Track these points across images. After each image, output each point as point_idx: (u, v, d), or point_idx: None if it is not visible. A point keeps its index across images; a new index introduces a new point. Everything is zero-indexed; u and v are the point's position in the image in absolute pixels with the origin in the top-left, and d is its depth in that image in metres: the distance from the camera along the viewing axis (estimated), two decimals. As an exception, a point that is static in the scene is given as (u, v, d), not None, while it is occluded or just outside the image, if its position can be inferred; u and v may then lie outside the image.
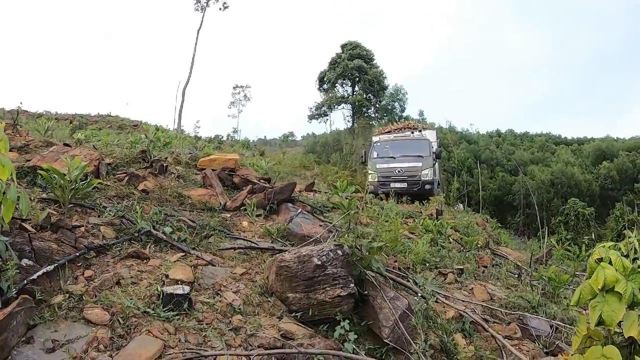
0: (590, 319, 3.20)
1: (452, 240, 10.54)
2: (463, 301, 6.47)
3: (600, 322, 3.14)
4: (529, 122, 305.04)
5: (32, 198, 5.83)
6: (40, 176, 6.33)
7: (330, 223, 7.70)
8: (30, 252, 4.36)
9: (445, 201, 20.45)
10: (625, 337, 3.12)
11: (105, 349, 3.48)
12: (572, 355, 3.41)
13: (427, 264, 7.92)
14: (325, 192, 11.94)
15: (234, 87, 76.83)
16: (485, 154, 68.09)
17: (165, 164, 9.09)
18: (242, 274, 5.41)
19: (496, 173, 62.57)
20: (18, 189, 3.66)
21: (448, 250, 9.17)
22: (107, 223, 5.97)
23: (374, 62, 60.66)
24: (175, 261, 5.26)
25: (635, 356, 3.12)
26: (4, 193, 3.55)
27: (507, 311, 6.29)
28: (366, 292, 5.17)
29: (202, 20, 50.91)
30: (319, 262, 4.80)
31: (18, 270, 3.82)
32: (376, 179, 20.92)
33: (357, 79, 59.37)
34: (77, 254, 4.79)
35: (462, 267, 8.17)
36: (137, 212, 6.14)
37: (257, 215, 7.85)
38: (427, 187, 19.98)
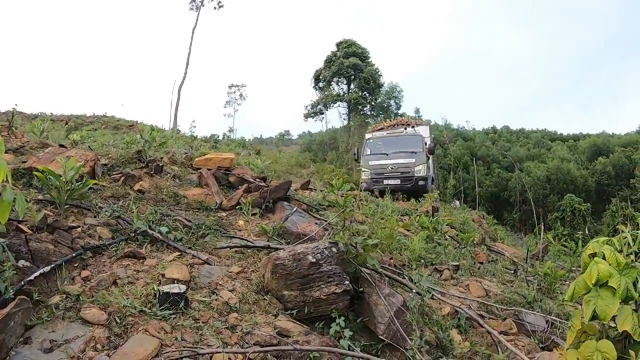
0: (585, 313, 3.22)
1: (448, 237, 10.54)
2: (459, 297, 6.50)
3: (594, 317, 3.17)
4: (525, 118, 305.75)
5: (28, 199, 5.84)
6: (36, 178, 6.34)
7: (326, 221, 7.73)
8: (27, 253, 4.38)
9: (440, 198, 20.44)
10: (620, 331, 3.14)
11: (103, 349, 3.51)
12: (566, 349, 3.44)
13: (423, 261, 7.94)
14: (322, 190, 11.96)
15: (229, 86, 76.78)
16: (481, 150, 68.24)
17: (161, 164, 9.10)
18: (238, 273, 5.43)
19: (492, 170, 62.72)
20: (14, 190, 3.67)
21: (444, 247, 9.17)
22: (103, 223, 5.98)
23: (370, 60, 60.74)
24: (171, 260, 5.29)
25: (630, 350, 3.14)
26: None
27: (502, 307, 6.31)
28: (361, 289, 5.19)
29: (197, 20, 50.85)
30: (314, 260, 4.82)
31: (15, 272, 3.84)
32: (369, 176, 20.78)
33: (353, 77, 59.43)
34: (74, 255, 4.81)
35: (458, 263, 8.20)
36: (133, 212, 6.15)
37: (253, 214, 7.85)
38: (421, 183, 19.85)
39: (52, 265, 4.35)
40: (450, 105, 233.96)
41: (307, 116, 63.93)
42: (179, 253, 5.61)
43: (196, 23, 50.53)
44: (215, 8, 52.35)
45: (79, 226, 5.67)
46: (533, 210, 28.37)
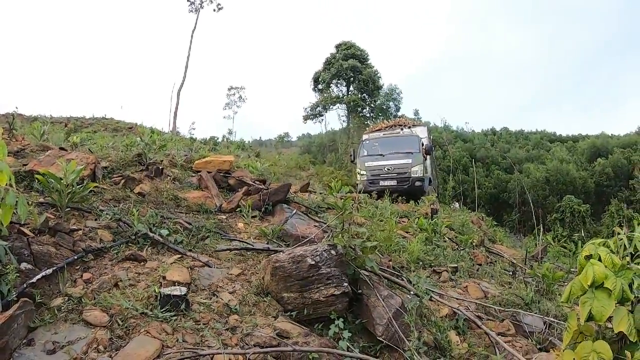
0: (581, 314, 3.26)
1: (446, 239, 10.58)
2: (457, 299, 6.54)
3: (590, 318, 3.21)
4: (524, 119, 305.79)
5: (30, 202, 5.87)
6: (37, 180, 6.38)
7: (325, 223, 7.76)
8: (29, 255, 4.42)
9: (440, 200, 20.40)
10: (615, 332, 3.18)
11: (105, 350, 3.55)
12: (563, 350, 3.48)
13: (422, 263, 7.98)
14: (321, 193, 11.99)
15: (228, 89, 76.71)
16: (480, 152, 68.16)
17: (161, 167, 9.13)
18: (238, 275, 5.48)
19: (492, 171, 62.65)
20: (16, 193, 3.72)
21: (443, 248, 9.21)
22: (104, 226, 6.02)
23: (369, 62, 60.71)
24: (172, 263, 5.33)
25: (626, 350, 3.18)
26: (2, 198, 3.60)
27: (500, 308, 6.36)
28: (360, 291, 5.25)
29: (196, 22, 50.82)
30: (313, 262, 4.87)
31: (18, 274, 3.88)
32: (365, 178, 20.65)
33: (352, 79, 59.40)
34: (76, 257, 4.85)
35: (456, 265, 8.23)
36: (134, 215, 6.18)
37: (253, 217, 7.90)
38: (418, 184, 19.78)
39: (54, 268, 4.40)
40: (449, 107, 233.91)
41: (306, 118, 63.91)
42: (180, 255, 5.66)
43: (195, 25, 50.51)
44: (214, 10, 52.34)
45: (80, 229, 5.70)
46: (532, 212, 28.33)
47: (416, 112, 77.97)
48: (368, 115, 61.05)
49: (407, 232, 10.36)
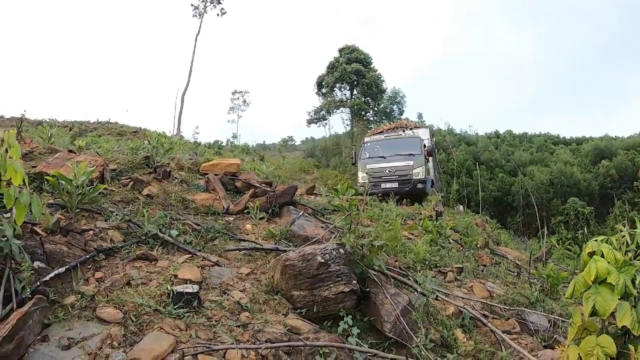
0: (584, 309, 3.33)
1: (451, 240, 10.61)
2: (462, 298, 6.59)
3: (594, 313, 3.27)
4: (527, 122, 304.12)
5: (41, 203, 5.96)
6: (46, 182, 6.47)
7: (332, 224, 7.82)
8: (42, 254, 4.50)
9: (443, 201, 20.31)
10: (619, 326, 3.24)
11: (119, 346, 3.62)
12: (568, 345, 3.54)
13: (427, 263, 8.02)
14: (327, 195, 12.02)
15: (232, 93, 77.06)
16: (484, 155, 68.09)
17: (168, 170, 9.21)
18: (247, 274, 5.56)
19: (495, 174, 62.56)
20: (30, 193, 3.81)
21: (448, 250, 9.25)
22: (114, 227, 6.10)
23: (372, 66, 60.66)
24: (182, 262, 5.42)
25: (629, 345, 3.24)
26: (16, 198, 3.69)
27: (506, 307, 6.41)
28: (368, 289, 5.32)
29: (200, 27, 51.08)
30: (323, 260, 4.95)
31: (32, 272, 3.96)
32: (366, 180, 20.16)
33: (355, 82, 59.35)
34: (87, 257, 4.93)
35: (461, 265, 8.27)
36: (144, 216, 6.27)
37: (260, 218, 7.96)
38: (419, 186, 19.48)
39: (67, 267, 4.48)
40: (452, 110, 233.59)
41: (310, 122, 63.95)
42: (190, 255, 5.75)
43: (199, 30, 50.78)
44: (218, 15, 52.63)
45: (91, 229, 5.79)
46: (536, 214, 28.29)
47: (419, 116, 78.13)
48: (372, 118, 61.00)
49: (412, 234, 10.41)
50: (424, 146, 20.95)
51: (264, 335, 4.22)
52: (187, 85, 47.97)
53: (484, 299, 6.84)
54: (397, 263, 7.19)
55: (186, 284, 4.73)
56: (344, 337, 4.59)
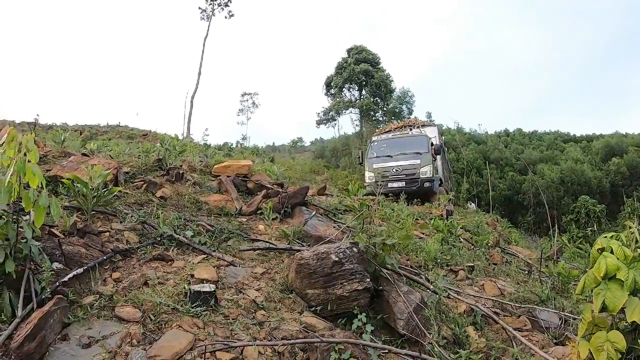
0: (594, 305, 3.38)
1: (462, 239, 10.63)
2: (474, 296, 6.64)
3: (604, 309, 3.32)
4: (537, 120, 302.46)
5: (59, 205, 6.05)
6: (61, 185, 6.58)
7: (344, 224, 7.88)
8: (61, 256, 4.60)
9: (454, 201, 20.20)
10: (629, 322, 3.29)
11: (139, 343, 3.72)
12: (578, 342, 3.59)
13: (439, 262, 8.07)
14: (337, 196, 12.06)
15: (242, 95, 76.90)
16: (494, 154, 67.66)
17: (181, 172, 9.29)
18: (262, 273, 5.66)
19: (505, 173, 62.16)
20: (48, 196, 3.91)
21: (459, 248, 9.28)
22: (129, 228, 6.21)
23: (380, 66, 60.45)
24: (198, 262, 5.52)
25: (639, 340, 3.29)
26: (35, 200, 3.79)
27: (517, 305, 6.45)
28: (381, 287, 5.39)
29: (208, 30, 51.14)
30: (337, 259, 5.02)
31: (52, 273, 4.05)
32: (373, 179, 20.11)
33: (364, 83, 59.17)
34: (105, 257, 5.05)
35: (472, 264, 8.29)
36: (159, 218, 6.37)
37: (273, 219, 8.04)
38: (427, 185, 19.25)
39: (85, 268, 4.58)
40: (461, 109, 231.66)
41: (319, 123, 63.84)
42: (205, 255, 5.84)
43: (207, 33, 50.76)
44: (225, 17, 52.66)
45: (107, 231, 5.91)
46: (547, 213, 28.17)
47: (428, 115, 77.72)
48: (381, 118, 60.76)
49: (423, 233, 10.44)
50: (432, 144, 20.71)
51: (280, 332, 4.32)
52: (196, 87, 48.01)
53: (495, 297, 6.87)
54: (408, 262, 7.25)
55: (203, 283, 4.82)
56: (358, 334, 4.66)
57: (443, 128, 69.14)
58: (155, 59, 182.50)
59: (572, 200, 50.06)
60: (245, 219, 8.05)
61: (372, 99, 59.21)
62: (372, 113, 59.74)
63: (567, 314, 6.19)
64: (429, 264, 7.70)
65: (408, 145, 20.91)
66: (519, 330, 5.64)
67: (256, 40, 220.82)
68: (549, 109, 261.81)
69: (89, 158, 8.37)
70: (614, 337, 3.30)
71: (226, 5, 52.28)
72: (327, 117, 62.96)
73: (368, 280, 5.09)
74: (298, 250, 6.16)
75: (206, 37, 50.45)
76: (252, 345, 3.83)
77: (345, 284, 4.95)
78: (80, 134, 23.46)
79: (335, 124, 65.19)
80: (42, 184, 3.88)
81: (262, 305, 4.80)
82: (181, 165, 10.24)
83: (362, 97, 60.33)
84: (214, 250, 6.11)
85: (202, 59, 49.26)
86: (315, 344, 4.07)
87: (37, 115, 25.29)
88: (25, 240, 3.99)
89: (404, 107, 63.83)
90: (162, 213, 6.63)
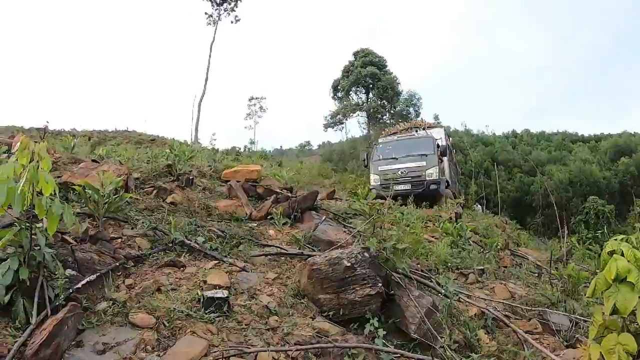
0: (605, 308, 3.39)
1: (472, 242, 10.61)
2: (485, 299, 6.65)
3: (614, 312, 3.33)
4: (545, 120, 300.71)
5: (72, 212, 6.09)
6: (72, 191, 6.62)
7: (354, 229, 7.90)
8: (74, 262, 4.65)
9: (462, 203, 20.06)
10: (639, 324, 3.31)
11: (153, 350, 3.76)
12: (589, 344, 3.60)
13: (449, 265, 8.09)
14: (347, 200, 12.06)
15: (249, 99, 77.14)
16: (502, 155, 67.48)
17: (191, 177, 9.33)
18: (274, 279, 5.68)
19: (514, 174, 62.01)
20: (61, 203, 3.95)
21: (468, 252, 9.27)
22: (141, 235, 6.25)
23: (387, 69, 60.42)
24: (210, 268, 5.54)
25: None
26: (48, 208, 3.83)
27: (527, 307, 6.46)
28: (392, 292, 5.40)
29: (214, 35, 51.19)
30: (349, 264, 5.06)
31: (66, 280, 4.09)
32: (378, 182, 19.81)
33: (371, 85, 59.14)
34: (117, 264, 5.09)
35: (482, 267, 8.31)
36: (170, 224, 6.40)
37: (283, 224, 8.05)
38: (433, 187, 18.92)
39: (98, 274, 4.62)
40: (468, 110, 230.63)
41: (326, 126, 63.82)
42: (217, 261, 5.86)
43: (214, 38, 50.84)
44: (232, 22, 52.76)
45: (119, 237, 5.95)
46: (556, 214, 28.10)
47: (436, 117, 77.44)
48: (388, 121, 60.65)
49: (432, 236, 10.45)
50: (438, 146, 20.42)
51: (293, 338, 4.34)
52: (204, 92, 48.09)
53: (505, 299, 6.90)
54: (419, 265, 7.26)
55: (215, 289, 4.85)
56: (370, 338, 4.69)
57: (450, 130, 69.06)
58: (163, 64, 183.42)
59: (581, 201, 49.90)
60: (256, 224, 8.08)
61: (379, 102, 59.21)
62: (379, 116, 59.69)
63: (577, 316, 6.20)
64: (439, 268, 7.72)
65: (413, 147, 20.69)
66: (529, 333, 5.66)
67: (263, 44, 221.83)
68: (556, 109, 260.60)
69: (99, 164, 8.41)
70: (624, 339, 3.31)
71: (232, 10, 52.35)
72: (335, 121, 62.95)
73: (380, 285, 5.11)
74: (309, 256, 6.18)
75: (213, 42, 50.57)
76: (265, 351, 3.86)
77: (358, 289, 4.98)
78: (89, 139, 23.55)
79: (343, 127, 65.18)
80: (54, 191, 3.92)
81: (275, 310, 4.82)
82: (191, 171, 10.28)
83: (369, 100, 60.31)
84: (226, 256, 6.14)
85: (209, 63, 49.38)
86: (329, 349, 4.10)
87: (47, 122, 25.39)
88: (38, 247, 4.02)
89: (411, 109, 63.81)
90: (173, 219, 6.65)
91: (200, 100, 47.52)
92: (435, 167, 19.31)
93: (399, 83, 60.53)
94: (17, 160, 3.79)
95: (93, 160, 9.19)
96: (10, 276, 3.72)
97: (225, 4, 52.03)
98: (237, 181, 9.80)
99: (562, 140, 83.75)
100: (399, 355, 4.45)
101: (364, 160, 22.80)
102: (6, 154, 7.73)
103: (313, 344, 4.23)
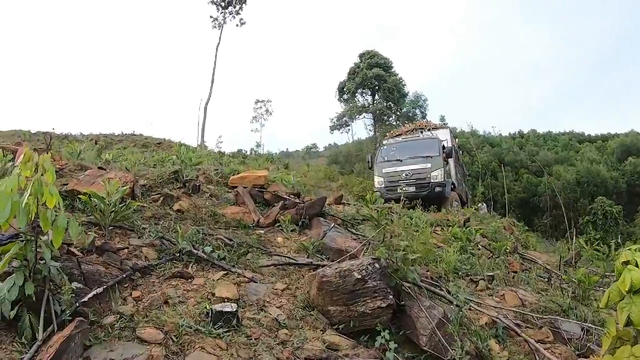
0: (619, 319, 3.33)
1: (480, 247, 10.56)
2: (495, 307, 6.58)
3: (628, 323, 3.28)
4: (552, 121, 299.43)
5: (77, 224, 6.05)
6: (78, 199, 6.58)
7: (362, 235, 7.86)
8: (80, 275, 4.58)
9: (467, 205, 19.91)
10: (654, 336, 3.25)
11: (162, 366, 3.69)
12: (602, 356, 3.55)
13: (459, 272, 8.02)
14: (355, 204, 12.01)
15: (255, 102, 77.27)
16: (508, 156, 67.43)
17: (198, 184, 9.29)
18: (283, 290, 5.62)
19: (521, 175, 61.94)
20: (67, 215, 3.90)
21: (477, 257, 9.21)
22: (148, 244, 6.18)
23: (393, 70, 60.54)
24: (218, 279, 5.49)
25: (665, 355, 3.24)
26: (53, 220, 3.79)
27: (538, 315, 6.39)
28: (403, 302, 5.35)
29: (220, 38, 51.31)
30: (360, 276, 5.02)
31: (72, 294, 4.04)
32: (382, 184, 19.70)
33: (377, 87, 59.28)
34: (124, 275, 5.01)
35: (492, 273, 8.24)
36: (177, 233, 6.34)
37: (291, 231, 8.00)
38: (438, 189, 18.51)
39: (105, 287, 4.56)
40: (474, 111, 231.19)
41: (332, 128, 64.03)
42: (225, 272, 5.80)
43: (219, 41, 50.98)
44: (237, 25, 52.90)
45: (126, 247, 5.89)
46: (564, 215, 28.03)
47: (442, 118, 77.55)
48: (394, 123, 60.70)
49: (441, 242, 10.39)
50: (443, 147, 20.07)
51: (303, 352, 4.28)
52: (210, 95, 48.26)
53: (516, 307, 6.83)
54: (428, 273, 7.19)
55: (224, 302, 4.80)
56: (381, 351, 4.65)
57: (457, 131, 69.08)
58: (169, 67, 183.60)
59: (589, 202, 49.85)
60: (263, 231, 8.02)
61: (385, 104, 59.38)
62: (385, 118, 59.85)
63: (589, 324, 6.13)
64: (449, 275, 7.66)
65: (418, 148, 20.39)
66: (541, 343, 5.61)
67: (268, 47, 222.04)
68: (563, 109, 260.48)
69: (106, 171, 8.36)
70: (638, 351, 3.25)
71: (237, 13, 52.55)
72: (341, 123, 63.16)
73: (391, 297, 5.06)
74: (318, 265, 6.16)
75: (218, 45, 50.74)
76: (276, 367, 3.82)
77: (369, 301, 4.93)
78: (96, 143, 23.55)
79: (349, 129, 65.40)
80: (59, 203, 3.88)
81: (285, 323, 4.77)
82: (197, 177, 10.23)
83: (375, 101, 60.51)
84: (234, 266, 6.08)
85: (214, 67, 49.56)
86: (340, 365, 4.06)
87: (53, 128, 25.44)
88: (44, 261, 3.97)
89: (417, 111, 64.00)
90: (180, 227, 6.60)
91: (207, 103, 47.72)
92: (440, 169, 19.02)
93: (405, 85, 60.76)
94: (20, 172, 3.74)
95: (99, 167, 9.15)
96: (16, 291, 3.68)
97: (230, 7, 52.22)
98: (244, 187, 9.74)
99: (569, 140, 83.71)
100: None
101: (369, 162, 22.65)
102: (11, 162, 7.69)
103: (323, 358, 4.18)
